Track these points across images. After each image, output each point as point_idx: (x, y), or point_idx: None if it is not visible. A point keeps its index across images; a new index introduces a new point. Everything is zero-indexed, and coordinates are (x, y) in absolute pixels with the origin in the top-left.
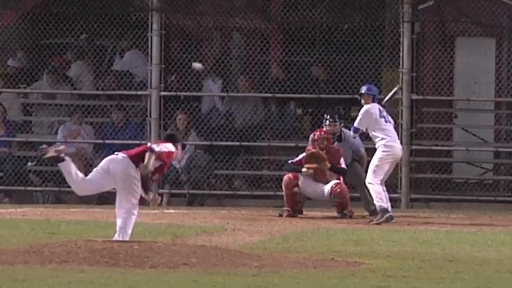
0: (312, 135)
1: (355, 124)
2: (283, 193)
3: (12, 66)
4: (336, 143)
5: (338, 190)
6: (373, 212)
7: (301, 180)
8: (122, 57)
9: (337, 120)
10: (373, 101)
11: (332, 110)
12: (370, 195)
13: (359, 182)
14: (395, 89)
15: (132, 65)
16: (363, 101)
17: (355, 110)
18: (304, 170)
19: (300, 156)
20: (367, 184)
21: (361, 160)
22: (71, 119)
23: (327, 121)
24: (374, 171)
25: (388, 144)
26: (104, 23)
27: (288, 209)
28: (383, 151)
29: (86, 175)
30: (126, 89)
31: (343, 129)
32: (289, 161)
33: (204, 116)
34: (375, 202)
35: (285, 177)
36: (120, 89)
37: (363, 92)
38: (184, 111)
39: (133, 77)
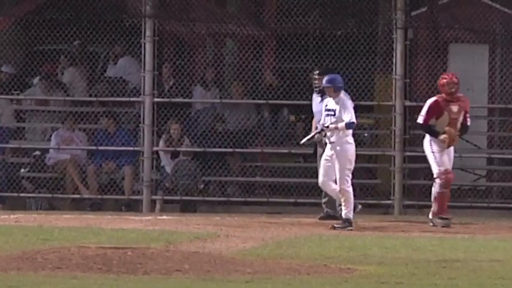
0: (440, 79)
1: (351, 119)
2: (439, 194)
3: (5, 72)
4: (325, 97)
5: None
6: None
7: None
8: (115, 63)
9: (322, 74)
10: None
11: (321, 65)
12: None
13: None
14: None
15: (126, 72)
16: (328, 93)
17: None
18: (441, 137)
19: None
20: (341, 188)
21: None
22: (63, 126)
23: (315, 75)
24: (347, 175)
25: (351, 142)
26: (97, 30)
27: (447, 217)
28: (351, 150)
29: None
30: (119, 95)
31: None
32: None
33: (194, 119)
34: (344, 210)
35: (448, 176)
36: (113, 96)
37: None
38: (177, 119)
39: (127, 84)
